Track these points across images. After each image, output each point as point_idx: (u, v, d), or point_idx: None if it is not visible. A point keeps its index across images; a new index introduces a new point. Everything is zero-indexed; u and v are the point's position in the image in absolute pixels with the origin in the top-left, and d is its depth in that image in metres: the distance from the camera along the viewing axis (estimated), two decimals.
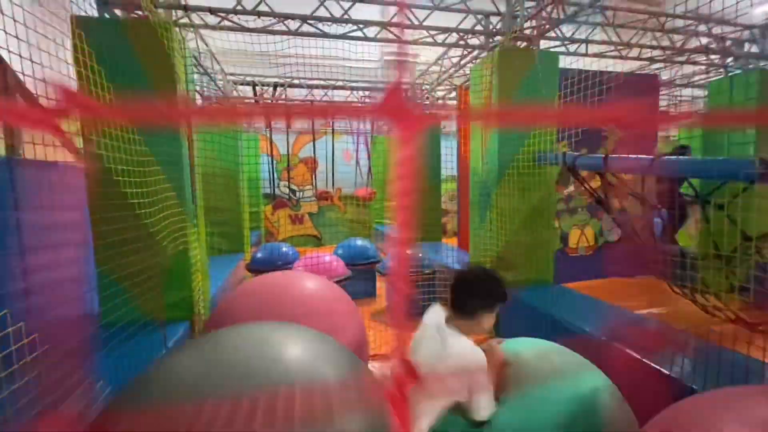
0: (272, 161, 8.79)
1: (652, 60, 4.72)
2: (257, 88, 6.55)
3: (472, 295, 1.29)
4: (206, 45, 4.62)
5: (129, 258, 2.39)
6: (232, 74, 6.16)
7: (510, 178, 3.86)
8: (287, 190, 10.18)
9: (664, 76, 5.96)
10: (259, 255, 5.25)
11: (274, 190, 9.20)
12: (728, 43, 4.80)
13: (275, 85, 6.56)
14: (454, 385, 1.18)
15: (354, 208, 10.42)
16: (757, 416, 1.03)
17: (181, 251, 2.97)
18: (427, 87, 6.29)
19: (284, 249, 5.34)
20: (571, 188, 5.59)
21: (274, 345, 1.19)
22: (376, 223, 9.45)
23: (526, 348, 1.50)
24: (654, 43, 4.59)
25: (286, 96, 6.78)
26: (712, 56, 4.82)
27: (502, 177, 3.86)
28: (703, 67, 5.38)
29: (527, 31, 3.66)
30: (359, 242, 5.52)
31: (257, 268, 5.00)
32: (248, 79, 6.38)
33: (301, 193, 10.46)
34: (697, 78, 5.75)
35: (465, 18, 3.97)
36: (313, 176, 10.36)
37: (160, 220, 2.59)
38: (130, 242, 2.33)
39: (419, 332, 1.36)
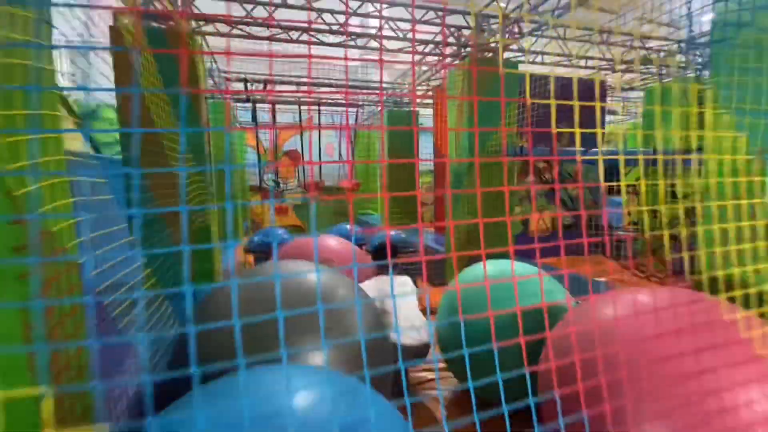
0: (259, 155, 9.27)
1: (598, 69, 5.55)
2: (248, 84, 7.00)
3: None
4: (207, 45, 5.08)
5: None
6: (225, 71, 6.60)
7: (477, 166, 4.57)
8: (272, 183, 10.61)
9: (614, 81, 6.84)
10: (256, 238, 5.77)
11: (261, 181, 9.63)
12: (661, 54, 5.70)
13: (265, 82, 7.03)
14: None
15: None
16: (638, 303, 1.66)
17: (204, 227, 3.50)
18: (407, 87, 6.95)
19: (279, 232, 5.88)
20: (531, 178, 6.40)
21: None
22: (360, 212, 10.05)
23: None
24: (600, 55, 5.42)
25: (274, 91, 7.27)
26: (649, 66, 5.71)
27: (472, 165, 4.57)
28: (643, 74, 6.29)
29: (492, 44, 4.37)
30: (347, 227, 6.13)
31: (255, 249, 5.54)
32: (240, 76, 6.83)
33: (285, 185, 10.91)
34: (638, 83, 6.68)
35: (440, 31, 4.64)
36: (297, 169, 10.83)
37: (192, 198, 3.13)
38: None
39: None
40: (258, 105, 7.70)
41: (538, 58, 5.22)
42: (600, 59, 5.52)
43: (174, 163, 2.81)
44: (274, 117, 8.73)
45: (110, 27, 3.11)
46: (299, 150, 10.70)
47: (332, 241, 3.19)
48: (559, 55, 5.16)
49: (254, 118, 8.79)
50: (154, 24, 3.12)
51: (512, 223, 5.29)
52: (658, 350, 1.31)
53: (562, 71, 5.44)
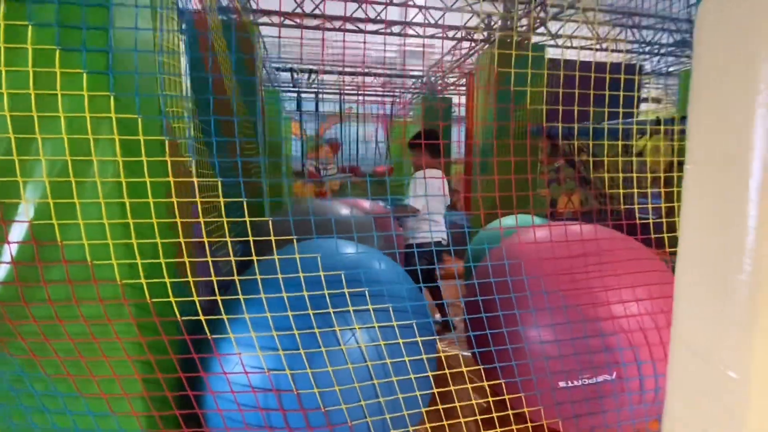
0: (303, 142, 10.00)
1: (629, 52, 5.63)
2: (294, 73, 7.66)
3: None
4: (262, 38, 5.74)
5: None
6: (274, 61, 7.29)
7: (504, 146, 4.88)
8: (313, 168, 11.35)
9: (649, 66, 6.83)
10: None
11: (304, 167, 10.37)
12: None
13: (310, 71, 7.67)
14: None
15: (373, 185, 11.51)
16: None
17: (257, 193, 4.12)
18: (441, 74, 7.32)
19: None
20: (561, 161, 6.57)
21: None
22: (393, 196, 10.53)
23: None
24: (631, 38, 5.51)
25: (318, 80, 7.90)
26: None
27: (499, 146, 4.89)
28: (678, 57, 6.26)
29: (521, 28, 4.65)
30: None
31: None
32: (288, 65, 7.50)
33: (326, 170, 11.61)
34: (674, 68, 6.62)
35: (471, 17, 4.98)
36: (336, 156, 11.52)
37: (251, 167, 3.74)
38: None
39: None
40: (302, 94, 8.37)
41: (569, 42, 5.41)
42: (632, 42, 5.60)
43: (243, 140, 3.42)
44: (317, 106, 9.39)
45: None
46: (338, 139, 11.35)
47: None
48: (587, 38, 5.33)
49: (299, 106, 9.51)
50: (223, 17, 3.74)
51: (540, 203, 5.52)
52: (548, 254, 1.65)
53: (591, 55, 5.58)
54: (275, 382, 1.21)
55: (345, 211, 2.72)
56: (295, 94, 8.76)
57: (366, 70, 7.49)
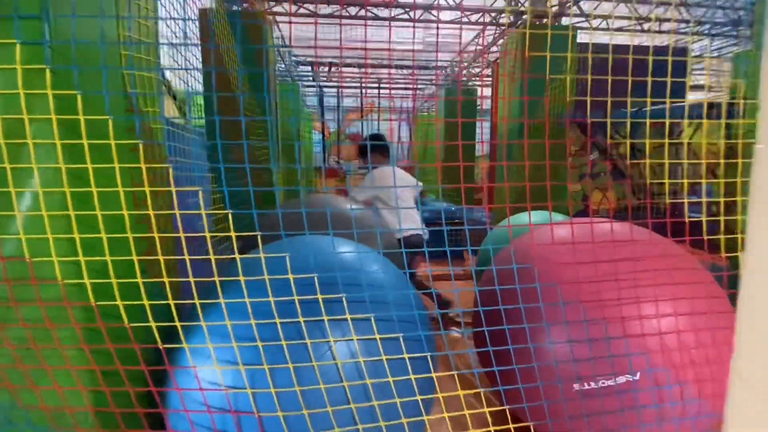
0: (324, 138, 9.91)
1: (672, 33, 5.10)
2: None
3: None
4: (280, 31, 5.63)
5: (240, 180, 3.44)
6: (295, 55, 7.21)
7: (528, 135, 4.55)
8: (336, 164, 11.26)
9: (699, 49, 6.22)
10: None
11: (325, 163, 10.30)
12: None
13: (330, 65, 7.54)
14: None
15: None
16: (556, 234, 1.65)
17: (267, 181, 4.01)
18: (465, 63, 6.98)
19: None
20: (596, 154, 6.10)
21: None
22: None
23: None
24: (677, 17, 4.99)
25: (340, 73, 7.75)
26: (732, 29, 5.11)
27: (522, 137, 4.56)
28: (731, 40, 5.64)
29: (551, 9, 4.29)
30: None
31: None
32: (308, 59, 7.40)
33: (348, 167, 11.49)
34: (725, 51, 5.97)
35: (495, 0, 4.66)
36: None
37: (261, 154, 3.62)
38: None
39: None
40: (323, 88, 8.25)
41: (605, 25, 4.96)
42: (679, 21, 5.08)
43: (251, 137, 3.30)
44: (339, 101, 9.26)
45: (200, 10, 3.68)
46: (361, 133, 11.20)
47: None
48: (626, 18, 4.88)
49: (321, 102, 9.41)
50: (234, 7, 3.64)
51: (566, 198, 5.12)
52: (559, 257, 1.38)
53: (632, 37, 5.12)
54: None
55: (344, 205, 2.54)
56: (315, 88, 8.67)
57: (388, 62, 7.28)
